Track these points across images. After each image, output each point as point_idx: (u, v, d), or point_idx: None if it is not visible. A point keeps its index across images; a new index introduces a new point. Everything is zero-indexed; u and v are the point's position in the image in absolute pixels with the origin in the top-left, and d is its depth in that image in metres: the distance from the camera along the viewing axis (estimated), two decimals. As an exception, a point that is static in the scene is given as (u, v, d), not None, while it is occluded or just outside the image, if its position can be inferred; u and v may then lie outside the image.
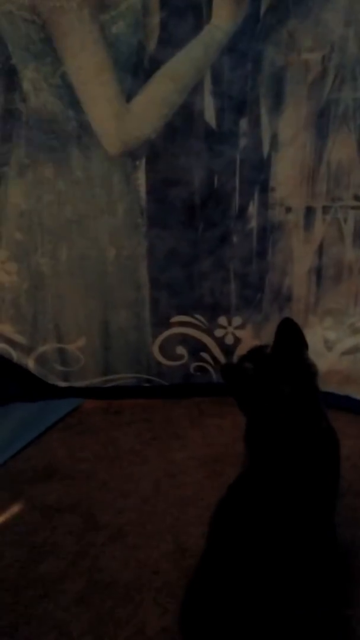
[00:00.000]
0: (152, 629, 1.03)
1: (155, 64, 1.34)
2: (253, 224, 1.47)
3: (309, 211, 1.46)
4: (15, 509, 1.32)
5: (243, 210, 1.46)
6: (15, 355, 1.58)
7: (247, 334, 1.57)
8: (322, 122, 1.37)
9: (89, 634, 1.04)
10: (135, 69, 1.34)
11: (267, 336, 1.55)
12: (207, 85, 1.35)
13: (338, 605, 0.84)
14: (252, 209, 1.46)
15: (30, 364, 1.59)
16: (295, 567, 0.83)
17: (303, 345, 0.96)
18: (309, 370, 0.95)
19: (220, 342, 1.59)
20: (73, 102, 1.35)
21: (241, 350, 1.57)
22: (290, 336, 0.96)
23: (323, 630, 0.82)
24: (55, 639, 1.04)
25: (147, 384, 1.63)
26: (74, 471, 1.41)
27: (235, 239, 1.49)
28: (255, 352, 1.01)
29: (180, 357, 1.61)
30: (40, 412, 1.59)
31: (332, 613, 0.83)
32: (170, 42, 1.32)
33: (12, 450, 1.49)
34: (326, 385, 1.51)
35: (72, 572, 1.16)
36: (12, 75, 1.34)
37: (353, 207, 1.43)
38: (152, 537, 1.21)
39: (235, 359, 1.59)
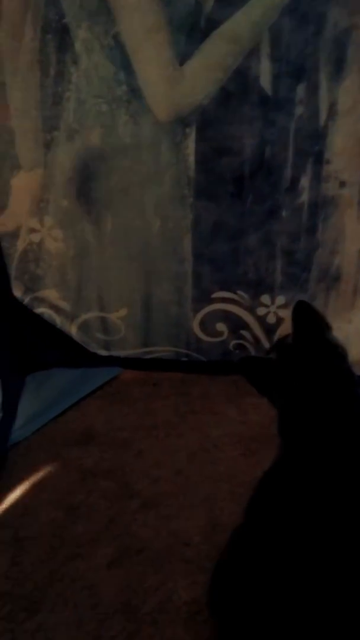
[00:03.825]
0: (180, 598, 1.06)
1: (212, 25, 1.27)
2: (304, 198, 1.40)
3: None
4: (53, 470, 1.37)
5: (295, 183, 1.39)
6: (58, 321, 1.60)
7: (290, 314, 1.52)
8: (386, 91, 1.28)
9: (118, 597, 1.08)
10: (191, 30, 1.28)
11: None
12: (265, 49, 1.27)
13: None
14: (305, 181, 1.38)
15: (73, 330, 1.61)
16: (330, 557, 0.81)
17: (324, 327, 0.91)
18: (337, 352, 0.89)
19: (261, 320, 1.55)
20: (125, 64, 1.30)
21: (283, 330, 1.53)
22: (309, 319, 0.91)
23: (355, 617, 0.81)
24: (85, 599, 1.08)
25: (185, 358, 1.63)
26: (110, 438, 1.44)
27: (284, 213, 1.42)
28: (278, 344, 0.97)
29: (220, 333, 1.58)
30: (80, 378, 1.62)
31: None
32: (229, 1, 1.24)
33: (52, 414, 1.52)
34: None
35: (104, 536, 1.19)
36: (64, 35, 1.30)
37: None
38: (185, 509, 1.23)
39: (276, 337, 1.56)
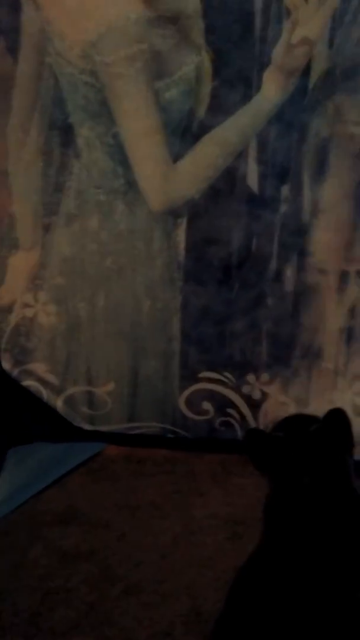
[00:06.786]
0: None
1: (204, 129, 1.40)
2: (289, 287, 1.49)
3: (344, 275, 1.48)
4: (32, 551, 1.33)
5: (280, 273, 1.48)
6: (45, 394, 1.61)
7: (274, 389, 1.57)
8: (361, 191, 1.41)
9: None
10: (184, 133, 1.41)
11: (295, 391, 1.56)
12: (252, 152, 1.40)
13: None
14: (289, 272, 1.48)
15: (59, 404, 1.62)
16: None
17: (349, 443, 0.95)
18: (346, 469, 0.93)
19: (247, 398, 1.58)
20: (123, 160, 1.42)
21: (268, 405, 1.57)
22: (338, 429, 0.94)
23: None
24: None
25: (171, 435, 1.64)
26: (93, 518, 1.42)
27: (270, 301, 1.51)
28: (293, 424, 1.00)
29: (206, 412, 1.60)
30: (63, 453, 1.61)
31: None
32: (220, 109, 1.38)
33: (32, 491, 1.50)
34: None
35: (84, 624, 1.15)
36: (68, 132, 1.42)
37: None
38: (168, 596, 1.20)
39: (262, 414, 1.58)
